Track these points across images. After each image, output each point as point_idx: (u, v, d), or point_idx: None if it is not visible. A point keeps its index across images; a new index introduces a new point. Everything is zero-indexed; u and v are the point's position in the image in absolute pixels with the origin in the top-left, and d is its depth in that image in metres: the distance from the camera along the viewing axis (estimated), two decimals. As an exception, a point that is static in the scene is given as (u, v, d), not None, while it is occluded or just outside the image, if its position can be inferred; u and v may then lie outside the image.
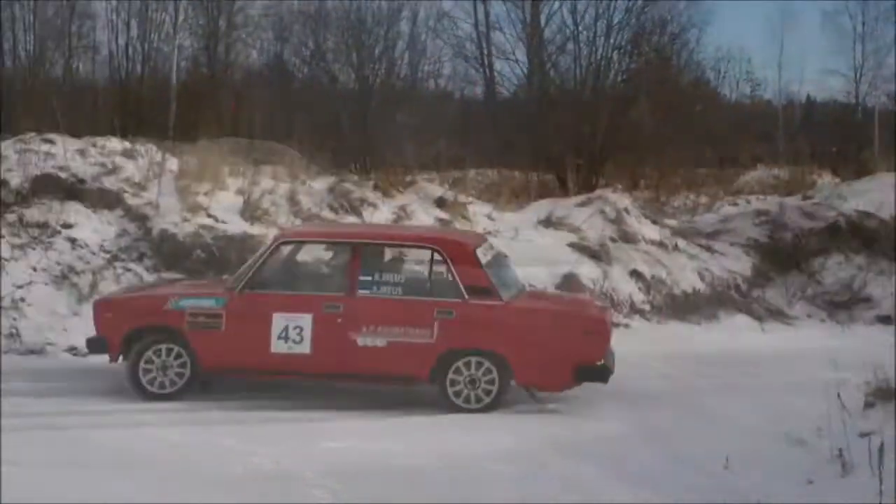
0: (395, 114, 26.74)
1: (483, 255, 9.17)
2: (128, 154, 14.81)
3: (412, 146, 23.27)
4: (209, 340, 8.88)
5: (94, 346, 9.23)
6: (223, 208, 12.82)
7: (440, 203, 14.51)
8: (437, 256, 8.94)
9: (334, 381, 9.01)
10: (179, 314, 8.92)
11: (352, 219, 13.56)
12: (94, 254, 11.95)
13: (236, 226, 12.48)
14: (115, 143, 15.37)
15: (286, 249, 9.41)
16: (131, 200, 12.56)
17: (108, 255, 11.96)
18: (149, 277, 11.76)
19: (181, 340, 8.87)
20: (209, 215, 12.58)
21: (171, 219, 12.30)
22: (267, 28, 31.67)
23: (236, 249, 12.04)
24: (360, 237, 9.56)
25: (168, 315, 8.94)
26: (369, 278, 8.86)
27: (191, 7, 29.37)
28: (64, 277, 11.60)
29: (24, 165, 13.22)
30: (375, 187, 14.70)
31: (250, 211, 12.92)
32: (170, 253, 12.04)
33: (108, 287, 11.39)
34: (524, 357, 8.72)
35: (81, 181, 12.59)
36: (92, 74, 30.85)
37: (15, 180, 12.50)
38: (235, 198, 13.17)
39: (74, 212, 12.31)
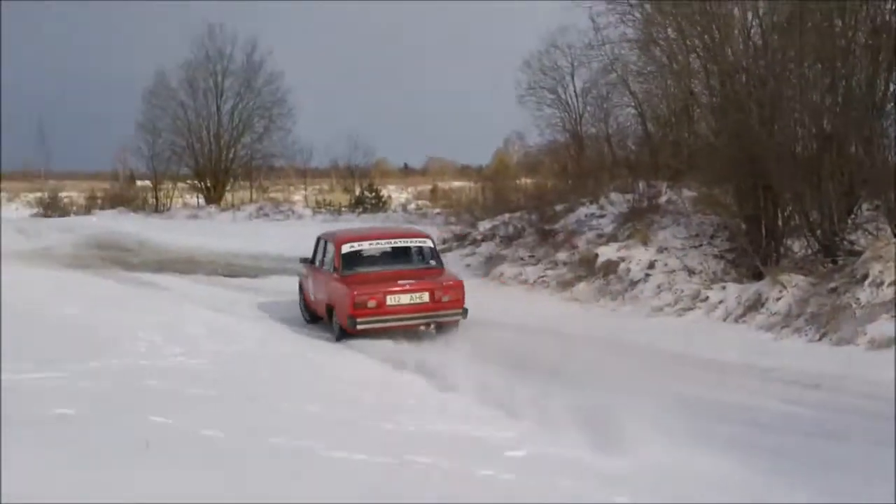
0: None
1: (348, 247, 14.90)
2: None
3: None
4: (303, 292, 16.59)
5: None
6: None
7: None
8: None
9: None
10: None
11: None
12: None
13: None
14: None
15: (321, 242, 15.96)
16: None
17: None
18: None
19: None
20: None
21: None
22: None
23: None
24: (327, 238, 15.78)
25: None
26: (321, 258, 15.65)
27: None
28: None
29: None
30: None
31: None
32: None
33: None
34: (338, 311, 14.37)
35: None
36: None
37: None
38: None
39: None
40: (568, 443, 8.20)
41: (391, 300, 14.02)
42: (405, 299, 14.09)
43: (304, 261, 16.58)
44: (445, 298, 14.11)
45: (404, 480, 7.37)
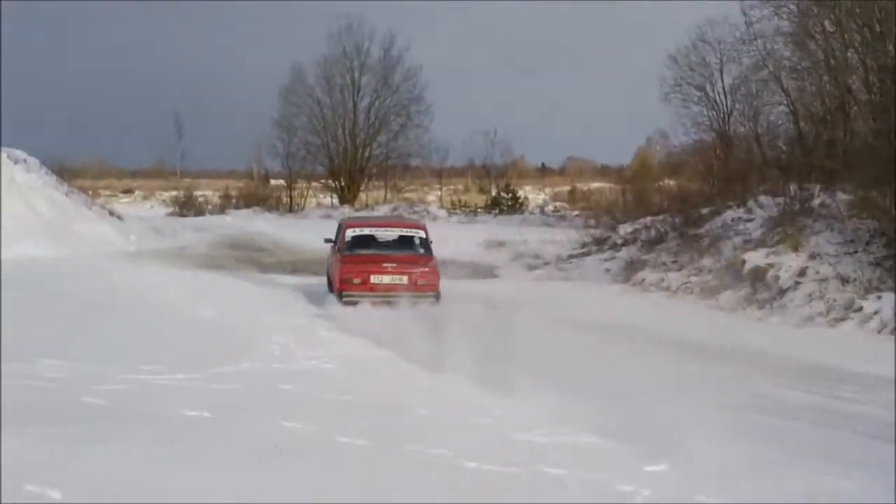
0: None
1: (352, 232, 18.38)
2: None
3: None
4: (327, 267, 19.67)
5: None
6: None
7: None
8: None
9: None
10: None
11: None
12: None
13: None
14: None
15: (339, 227, 18.98)
16: None
17: None
18: None
19: None
20: None
21: None
22: None
23: None
24: (342, 222, 19.51)
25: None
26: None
27: None
28: None
29: None
30: None
31: None
32: None
33: None
34: (333, 284, 17.90)
35: None
36: None
37: None
38: None
39: None
40: (709, 460, 8.05)
41: (375, 279, 17.10)
42: (386, 279, 17.14)
43: (327, 241, 19.55)
44: (421, 282, 17.13)
45: (539, 492, 7.35)
